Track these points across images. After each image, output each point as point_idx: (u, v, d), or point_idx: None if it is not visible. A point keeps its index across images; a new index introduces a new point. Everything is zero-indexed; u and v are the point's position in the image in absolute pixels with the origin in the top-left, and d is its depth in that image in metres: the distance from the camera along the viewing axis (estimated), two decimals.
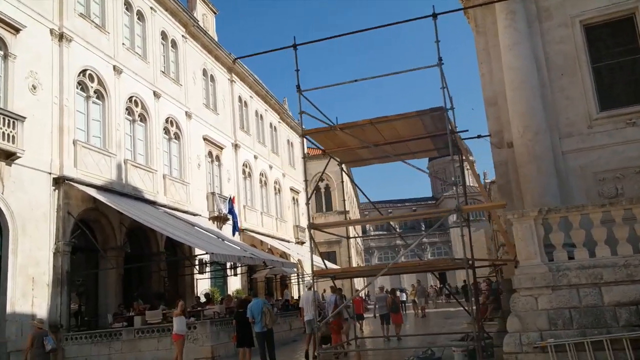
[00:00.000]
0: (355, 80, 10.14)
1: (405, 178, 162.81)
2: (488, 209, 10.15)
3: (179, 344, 12.76)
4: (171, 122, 23.19)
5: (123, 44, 20.35)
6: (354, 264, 43.39)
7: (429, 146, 11.78)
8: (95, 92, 18.57)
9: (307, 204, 9.90)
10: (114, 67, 19.43)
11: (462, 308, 13.50)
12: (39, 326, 11.38)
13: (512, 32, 11.16)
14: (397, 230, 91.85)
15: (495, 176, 11.62)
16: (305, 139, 10.16)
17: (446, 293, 54.37)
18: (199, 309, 16.85)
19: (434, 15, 9.79)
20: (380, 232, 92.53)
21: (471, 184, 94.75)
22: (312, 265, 9.62)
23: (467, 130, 11.47)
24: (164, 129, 22.59)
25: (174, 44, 24.53)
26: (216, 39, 28.88)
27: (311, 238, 9.80)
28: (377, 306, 13.64)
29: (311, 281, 9.95)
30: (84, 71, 17.98)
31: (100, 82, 18.69)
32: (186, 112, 24.43)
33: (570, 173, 10.92)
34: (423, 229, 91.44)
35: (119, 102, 19.55)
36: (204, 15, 28.80)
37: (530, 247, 8.48)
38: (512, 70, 11.12)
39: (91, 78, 18.33)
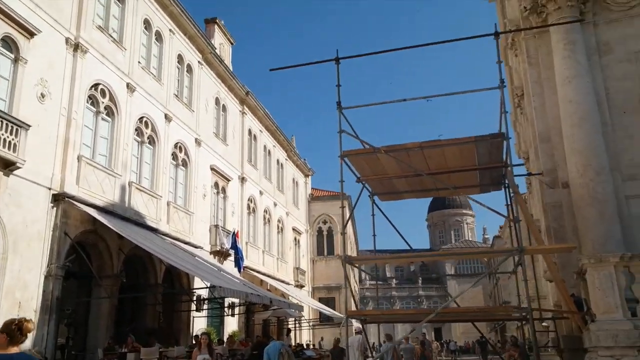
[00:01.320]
0: (404, 100, 9.15)
1: (403, 228, 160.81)
2: (556, 252, 8.96)
3: None
4: (180, 147, 22.15)
5: (139, 62, 19.54)
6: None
7: (473, 181, 10.70)
8: (105, 108, 17.58)
9: (343, 233, 8.69)
10: (128, 84, 18.53)
11: None
12: (38, 357, 9.94)
13: (572, 63, 10.29)
14: (394, 281, 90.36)
15: (547, 219, 10.50)
16: (343, 161, 8.93)
17: (452, 349, 52.11)
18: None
19: (496, 34, 8.89)
20: (376, 282, 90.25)
21: (469, 239, 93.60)
22: (346, 304, 8.32)
23: (522, 165, 10.41)
24: (172, 154, 21.52)
25: (189, 69, 23.81)
26: (231, 69, 28.26)
27: (345, 275, 8.55)
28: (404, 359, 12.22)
29: (359, 325, 8.76)
30: (96, 85, 17.03)
31: (111, 99, 17.73)
32: (196, 139, 23.44)
33: (634, 220, 9.80)
34: (420, 282, 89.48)
35: (129, 121, 18.54)
36: (221, 45, 28.27)
37: (610, 298, 7.27)
38: (571, 104, 10.17)
39: (103, 93, 17.37)
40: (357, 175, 10.45)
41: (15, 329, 3.88)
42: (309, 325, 35.41)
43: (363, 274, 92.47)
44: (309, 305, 30.94)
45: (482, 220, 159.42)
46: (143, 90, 19.52)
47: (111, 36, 17.98)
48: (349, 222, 43.42)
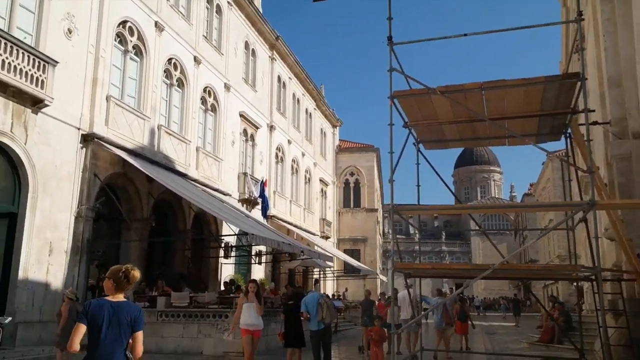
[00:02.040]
0: (465, 35, 8.22)
1: (428, 183, 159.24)
2: (631, 207, 8.16)
3: (249, 342, 8.94)
4: (209, 92, 21.47)
5: (167, 0, 18.64)
6: (378, 265, 41.41)
7: (531, 129, 9.80)
8: (134, 47, 16.89)
9: (391, 181, 7.99)
10: (156, 23, 17.73)
11: (497, 323, 11.48)
12: (72, 297, 9.72)
13: None
14: (416, 236, 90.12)
15: (612, 173, 9.62)
16: (393, 103, 8.13)
17: (476, 305, 52.09)
18: (229, 295, 15.01)
19: None
20: (399, 236, 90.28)
21: (496, 196, 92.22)
22: (393, 258, 7.76)
23: (594, 110, 9.42)
24: (201, 99, 20.87)
25: (218, 9, 22.80)
26: (261, 11, 27.09)
27: (392, 222, 7.92)
28: (434, 314, 11.67)
29: (406, 280, 8.20)
30: (124, 22, 16.29)
31: (140, 37, 17.00)
32: (225, 84, 22.69)
33: None
34: (443, 236, 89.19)
35: (158, 62, 17.84)
36: None
37: None
38: None
39: (131, 31, 16.64)
40: (404, 120, 9.65)
41: (122, 276, 3.85)
42: (333, 276, 35.41)
43: (386, 228, 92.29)
44: (336, 256, 30.69)
45: (509, 177, 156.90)
46: (172, 30, 18.72)
47: None
48: (376, 175, 42.74)
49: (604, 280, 7.83)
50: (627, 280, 8.18)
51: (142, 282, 15.47)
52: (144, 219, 16.70)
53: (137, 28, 16.83)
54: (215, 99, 21.89)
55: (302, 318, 9.15)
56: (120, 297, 3.87)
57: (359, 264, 30.97)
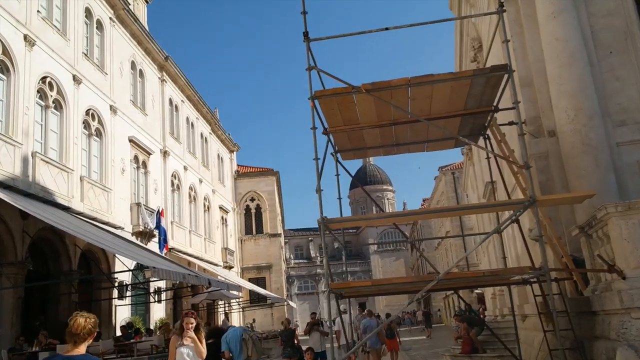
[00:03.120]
0: (386, 29, 7.60)
1: (325, 204, 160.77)
2: (571, 201, 7.87)
3: None
4: (92, 115, 19.33)
5: (38, 11, 16.50)
6: (284, 292, 40.18)
7: (452, 131, 9.40)
8: None
9: (318, 190, 7.06)
10: (25, 36, 15.55)
11: (407, 338, 11.05)
12: None
13: None
14: (318, 258, 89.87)
15: (533, 171, 9.46)
16: (314, 104, 7.23)
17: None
18: (129, 341, 13.06)
19: None
20: (301, 261, 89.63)
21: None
22: (328, 274, 6.70)
23: (514, 107, 9.19)
24: (83, 122, 18.69)
25: (99, 25, 20.82)
26: (147, 29, 25.36)
27: (323, 236, 6.94)
28: (365, 335, 10.92)
29: (338, 303, 7.27)
30: None
31: (5, 52, 14.75)
32: (111, 106, 20.64)
33: (625, 169, 8.97)
34: (343, 258, 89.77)
35: (29, 80, 15.61)
36: (135, 2, 25.24)
37: None
38: (559, 42, 9.11)
39: None
40: (324, 126, 8.81)
41: (68, 326, 3.54)
42: (239, 308, 33.61)
43: (287, 253, 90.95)
44: (243, 286, 29.09)
45: (401, 195, 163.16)
46: (44, 44, 16.56)
47: None
48: (277, 198, 41.80)
49: (543, 281, 7.42)
50: (565, 279, 7.87)
51: (19, 337, 13.05)
52: (18, 262, 14.25)
53: (1, 42, 14.58)
54: (100, 122, 19.77)
55: (223, 359, 7.81)
56: (77, 351, 3.49)
57: (267, 292, 29.60)
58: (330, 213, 7.51)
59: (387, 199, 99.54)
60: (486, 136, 9.66)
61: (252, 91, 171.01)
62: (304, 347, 9.32)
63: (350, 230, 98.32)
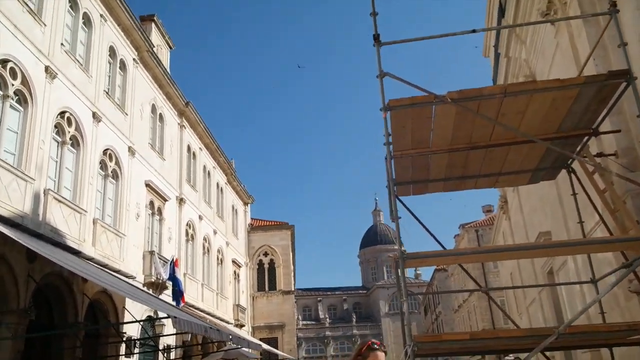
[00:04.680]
0: (474, 31, 6.50)
1: (333, 265, 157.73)
2: None
3: None
4: (110, 155, 18.29)
5: (62, 44, 15.81)
6: (298, 354, 37.70)
7: (532, 162, 8.11)
8: (16, 93, 13.68)
9: (395, 218, 5.72)
10: (47, 68, 14.75)
11: None
12: None
13: None
14: (327, 320, 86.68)
15: (627, 210, 8.10)
16: (386, 116, 6.03)
17: None
18: None
19: None
20: (309, 322, 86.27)
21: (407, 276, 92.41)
22: (404, 323, 5.24)
23: (619, 131, 7.89)
24: (100, 162, 17.63)
25: (122, 65, 20.19)
26: (169, 73, 24.81)
27: (399, 277, 5.54)
28: None
29: None
30: (3, 62, 13.18)
31: (24, 82, 13.87)
32: (129, 148, 19.65)
33: None
34: (353, 319, 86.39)
35: (47, 114, 14.66)
36: (159, 47, 24.83)
37: None
38: None
39: (13, 73, 13.49)
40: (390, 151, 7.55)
41: None
42: None
43: (297, 315, 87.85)
44: (261, 345, 27.08)
45: None
46: (66, 78, 15.76)
47: (27, 4, 14.24)
48: (291, 253, 40.14)
49: None
50: None
51: None
52: (20, 310, 12.71)
53: (21, 70, 13.72)
54: (117, 164, 18.70)
55: None
56: None
57: (284, 354, 27.47)
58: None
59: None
60: (570, 169, 8.35)
61: (269, 137, 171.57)
62: None
63: (360, 292, 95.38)
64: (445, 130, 7.04)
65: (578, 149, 7.86)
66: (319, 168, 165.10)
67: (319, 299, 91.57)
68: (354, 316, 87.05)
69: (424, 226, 8.36)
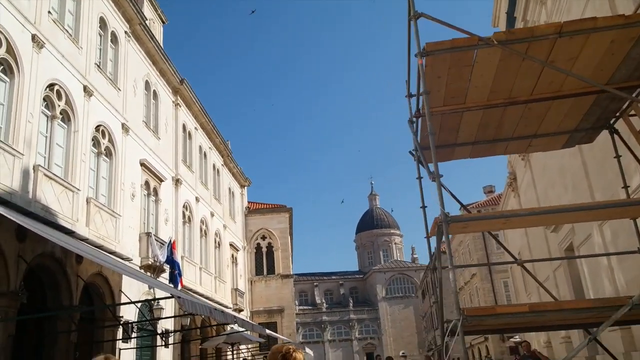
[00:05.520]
0: None
1: (329, 249, 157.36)
2: None
3: None
4: (103, 132, 17.40)
5: (49, 12, 14.84)
6: (297, 338, 37.20)
7: (574, 121, 7.35)
8: (2, 62, 12.75)
9: (437, 178, 4.98)
10: (34, 36, 13.79)
11: None
12: None
13: None
14: (324, 305, 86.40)
15: None
16: (422, 62, 5.25)
17: None
18: None
19: None
20: (305, 307, 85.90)
21: (398, 258, 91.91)
22: (455, 291, 4.49)
23: None
24: (93, 139, 16.74)
25: (114, 38, 19.20)
26: (163, 48, 23.79)
27: (447, 239, 4.82)
28: None
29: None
30: None
31: (10, 50, 12.92)
32: (123, 125, 18.75)
33: None
34: (350, 304, 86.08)
35: (35, 85, 13.73)
36: (151, 21, 23.79)
37: None
38: None
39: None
40: (411, 112, 6.79)
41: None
42: (250, 355, 30.72)
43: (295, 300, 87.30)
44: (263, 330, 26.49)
45: (410, 239, 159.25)
46: (54, 49, 14.81)
47: None
48: (289, 236, 39.46)
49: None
50: None
51: None
52: (10, 292, 11.92)
53: (7, 39, 12.77)
54: (110, 141, 17.81)
55: None
56: None
57: (286, 338, 26.85)
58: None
59: (395, 243, 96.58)
60: (613, 130, 7.61)
61: (264, 120, 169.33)
62: None
63: (357, 276, 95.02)
64: (484, 81, 6.27)
65: (625, 105, 7.13)
66: (317, 151, 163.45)
67: (315, 283, 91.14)
68: (351, 301, 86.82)
69: (451, 194, 7.64)
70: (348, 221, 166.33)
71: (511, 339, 28.47)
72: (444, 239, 5.39)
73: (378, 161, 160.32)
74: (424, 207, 7.72)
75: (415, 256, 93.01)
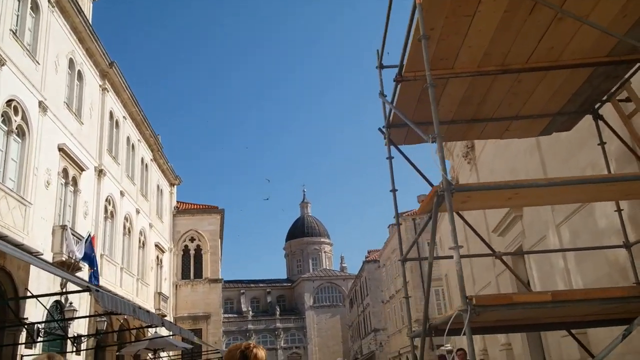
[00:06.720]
0: None
1: (258, 257, 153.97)
2: None
3: None
4: (15, 108, 15.33)
5: None
6: (223, 346, 35.34)
7: (563, 99, 6.69)
8: None
9: (439, 137, 4.01)
10: None
11: None
12: None
13: None
14: (250, 313, 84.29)
15: None
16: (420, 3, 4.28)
17: None
18: None
19: None
20: (230, 315, 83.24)
21: (327, 267, 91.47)
22: (461, 282, 3.56)
23: None
24: (2, 114, 14.66)
25: (35, 5, 17.15)
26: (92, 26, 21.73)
27: (450, 213, 3.89)
28: None
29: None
30: None
31: None
32: (40, 103, 16.69)
33: None
34: (277, 312, 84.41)
35: None
36: None
37: None
38: None
39: None
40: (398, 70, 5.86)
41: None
42: None
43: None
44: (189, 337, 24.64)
45: (339, 249, 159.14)
46: None
47: None
48: (219, 239, 37.70)
49: None
50: None
51: None
52: None
53: None
54: (24, 119, 15.74)
55: None
56: None
57: (212, 346, 25.14)
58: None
59: (325, 252, 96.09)
60: (598, 115, 7.04)
61: (198, 119, 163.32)
62: None
63: (285, 285, 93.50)
64: (480, 40, 5.42)
65: (614, 88, 6.55)
66: (251, 155, 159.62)
67: (242, 291, 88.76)
68: (278, 309, 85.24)
69: (416, 169, 6.80)
70: (279, 228, 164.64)
71: (441, 347, 28.11)
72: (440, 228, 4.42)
73: (313, 167, 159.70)
74: (394, 190, 6.89)
75: (344, 265, 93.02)
